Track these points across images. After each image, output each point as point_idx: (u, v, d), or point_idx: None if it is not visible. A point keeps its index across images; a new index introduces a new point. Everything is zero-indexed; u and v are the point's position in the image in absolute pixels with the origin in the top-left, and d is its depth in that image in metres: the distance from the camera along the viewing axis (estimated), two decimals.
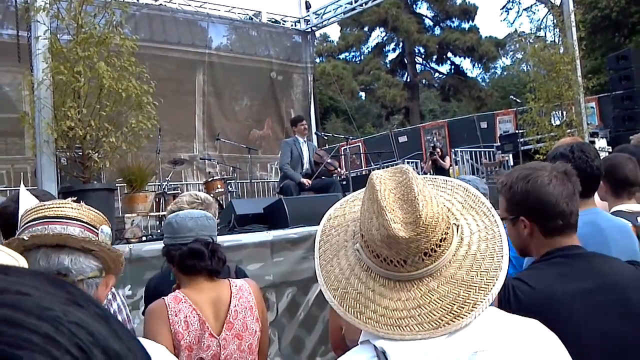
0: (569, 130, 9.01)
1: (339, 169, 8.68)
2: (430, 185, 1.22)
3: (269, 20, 12.86)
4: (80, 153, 5.32)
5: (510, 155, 11.74)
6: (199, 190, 7.03)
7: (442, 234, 1.12)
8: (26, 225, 1.40)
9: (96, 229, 1.39)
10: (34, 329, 0.31)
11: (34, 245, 1.36)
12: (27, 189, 2.01)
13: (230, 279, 2.32)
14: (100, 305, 0.37)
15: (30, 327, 0.31)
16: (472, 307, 1.09)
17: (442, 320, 1.08)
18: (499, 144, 13.37)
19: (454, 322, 1.08)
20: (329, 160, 8.29)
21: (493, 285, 1.11)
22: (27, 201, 1.64)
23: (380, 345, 1.09)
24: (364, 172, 13.83)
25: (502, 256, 1.15)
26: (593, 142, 9.75)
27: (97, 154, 5.29)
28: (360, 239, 1.17)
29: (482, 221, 1.22)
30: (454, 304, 1.09)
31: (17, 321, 0.31)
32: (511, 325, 1.14)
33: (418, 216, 1.09)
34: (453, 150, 13.69)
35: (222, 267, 2.24)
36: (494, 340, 1.08)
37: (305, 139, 8.36)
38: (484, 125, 17.06)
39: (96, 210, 1.45)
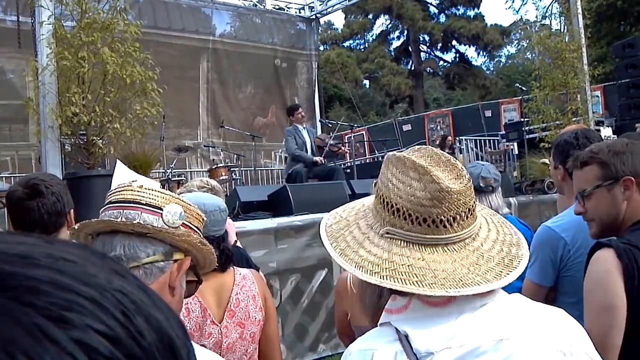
0: (574, 119, 8.97)
1: (343, 148, 8.73)
2: None
3: (273, 7, 12.79)
4: (85, 139, 5.32)
5: (515, 144, 11.68)
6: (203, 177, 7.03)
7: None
8: (102, 210, 1.40)
9: (160, 209, 1.34)
10: (82, 293, 0.32)
11: (95, 233, 1.36)
12: (34, 174, 2.00)
13: (234, 267, 2.29)
14: (138, 278, 0.38)
15: (78, 291, 0.32)
16: (520, 259, 1.15)
17: (502, 272, 1.12)
18: (503, 132, 13.31)
19: (510, 273, 1.12)
20: (331, 142, 8.34)
21: (524, 245, 1.19)
22: (119, 175, 1.61)
23: (403, 329, 1.08)
24: (368, 160, 13.81)
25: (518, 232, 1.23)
26: (598, 131, 9.69)
27: (101, 140, 5.29)
28: (392, 216, 1.15)
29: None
30: (504, 258, 1.15)
31: (65, 285, 0.32)
32: (537, 314, 1.13)
33: (460, 170, 1.15)
34: (457, 138, 13.64)
35: (229, 265, 2.20)
36: (519, 328, 1.07)
37: (305, 126, 8.41)
38: (488, 113, 16.98)
39: (162, 190, 1.40)
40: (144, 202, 1.34)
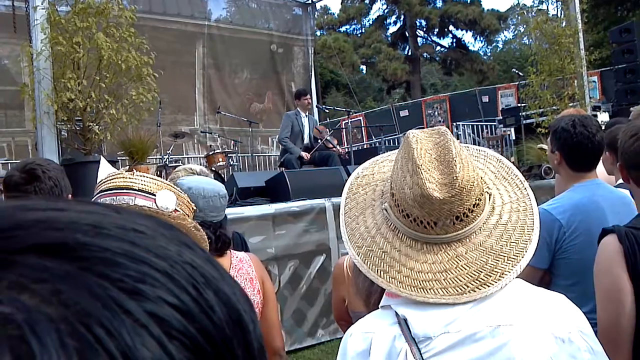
0: (571, 104, 8.95)
1: (337, 147, 8.66)
2: (465, 151, 1.20)
3: None
4: (81, 125, 5.30)
5: (512, 129, 11.66)
6: (200, 164, 7.03)
7: (475, 200, 1.11)
8: (94, 198, 1.40)
9: (153, 195, 1.35)
10: (154, 265, 0.31)
11: None
12: (31, 159, 2.00)
13: (231, 250, 2.28)
14: (206, 250, 0.37)
15: (151, 263, 0.31)
16: (500, 276, 1.08)
17: (468, 287, 1.07)
18: (500, 117, 13.28)
19: (479, 289, 1.07)
20: (328, 137, 8.30)
21: (522, 257, 1.11)
22: (104, 171, 1.62)
23: (402, 312, 1.08)
24: (365, 146, 13.79)
25: (532, 229, 1.15)
26: (595, 116, 9.70)
27: (97, 126, 5.27)
28: (390, 198, 1.15)
29: (514, 193, 1.21)
30: (481, 272, 1.09)
31: (138, 257, 0.31)
32: (536, 300, 1.12)
33: (454, 178, 1.08)
34: (454, 124, 13.62)
35: (225, 249, 2.19)
36: (518, 314, 1.06)
37: (307, 114, 8.35)
38: (485, 99, 16.94)
39: (154, 177, 1.41)
40: (137, 188, 1.35)
